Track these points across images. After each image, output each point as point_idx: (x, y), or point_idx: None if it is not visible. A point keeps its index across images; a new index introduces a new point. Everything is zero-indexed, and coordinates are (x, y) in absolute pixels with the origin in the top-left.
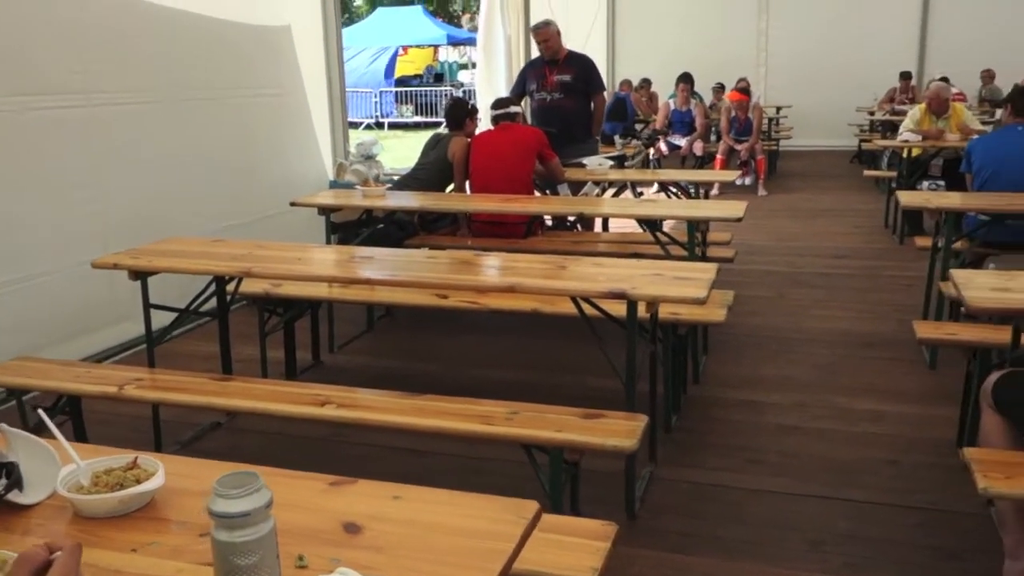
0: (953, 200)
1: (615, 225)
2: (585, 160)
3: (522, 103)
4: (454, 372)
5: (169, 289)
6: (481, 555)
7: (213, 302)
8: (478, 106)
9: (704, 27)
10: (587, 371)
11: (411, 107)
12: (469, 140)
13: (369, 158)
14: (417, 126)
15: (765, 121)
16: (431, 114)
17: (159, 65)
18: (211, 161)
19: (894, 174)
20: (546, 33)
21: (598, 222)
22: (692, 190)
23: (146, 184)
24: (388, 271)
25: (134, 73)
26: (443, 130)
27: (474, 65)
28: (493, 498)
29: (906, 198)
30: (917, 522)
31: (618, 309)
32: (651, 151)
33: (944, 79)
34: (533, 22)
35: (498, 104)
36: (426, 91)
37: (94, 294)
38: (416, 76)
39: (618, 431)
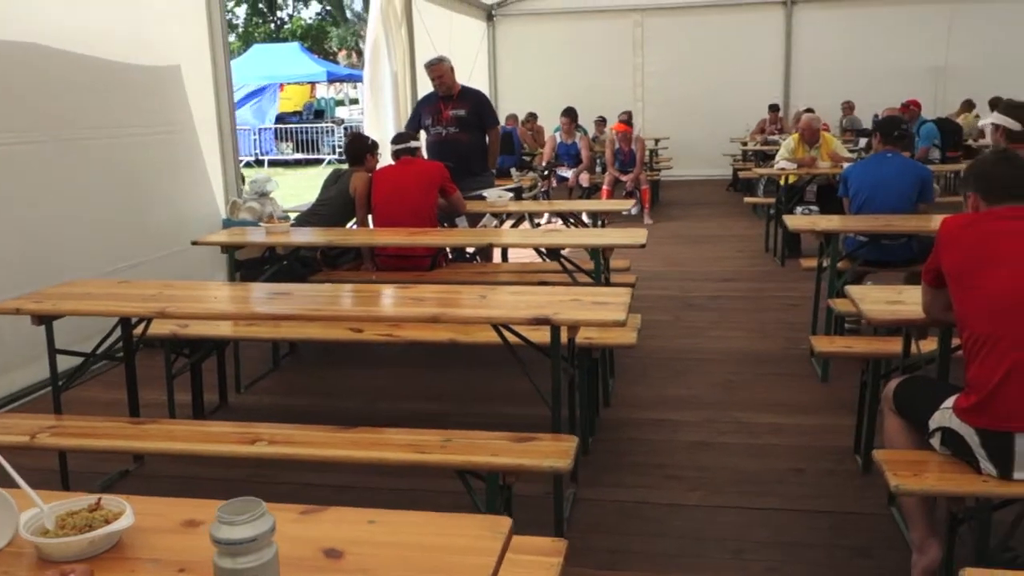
0: (836, 223)
1: (514, 255)
2: (485, 192)
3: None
4: (368, 408)
5: (62, 334)
6: (466, 570)
7: (114, 345)
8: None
9: (582, 63)
10: (505, 400)
11: (291, 144)
12: (370, 175)
13: (263, 195)
14: (298, 163)
15: (646, 153)
16: (311, 151)
17: (43, 105)
18: (102, 201)
19: (772, 200)
20: (440, 69)
21: (497, 253)
22: (590, 220)
23: (35, 226)
24: (309, 306)
25: (17, 113)
26: (341, 166)
27: (353, 101)
28: (467, 516)
29: (793, 222)
30: (827, 525)
31: (537, 336)
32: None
33: (809, 110)
34: (418, 59)
35: (398, 139)
36: (306, 128)
37: None
38: (295, 113)
39: (551, 452)
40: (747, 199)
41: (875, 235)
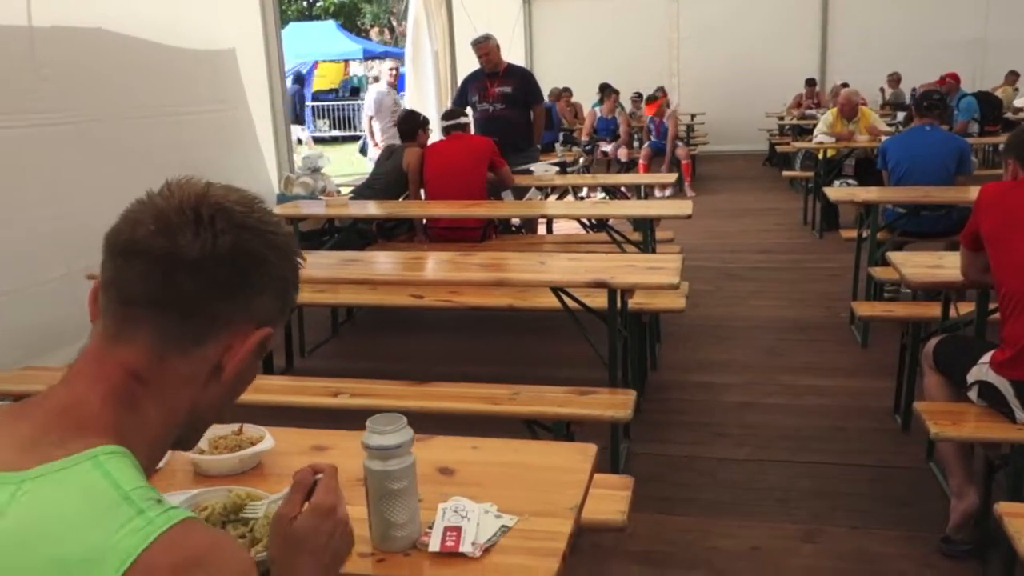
0: (875, 194)
1: (557, 228)
2: (532, 167)
3: None
4: (428, 370)
5: None
6: (564, 485)
7: None
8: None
9: (618, 40)
10: (557, 363)
11: (327, 121)
12: (422, 150)
13: (315, 171)
14: (335, 140)
15: (683, 128)
16: (347, 128)
17: (108, 86)
18: (162, 176)
19: (810, 174)
20: (487, 47)
21: (541, 226)
22: (632, 193)
23: (96, 200)
24: (381, 271)
25: (85, 93)
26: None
27: (374, 79)
28: (556, 443)
29: (833, 193)
30: (868, 478)
31: (591, 300)
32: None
33: (845, 84)
34: (457, 37)
35: (449, 115)
36: (342, 105)
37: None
38: (331, 90)
39: (612, 404)
40: (785, 173)
41: (914, 206)
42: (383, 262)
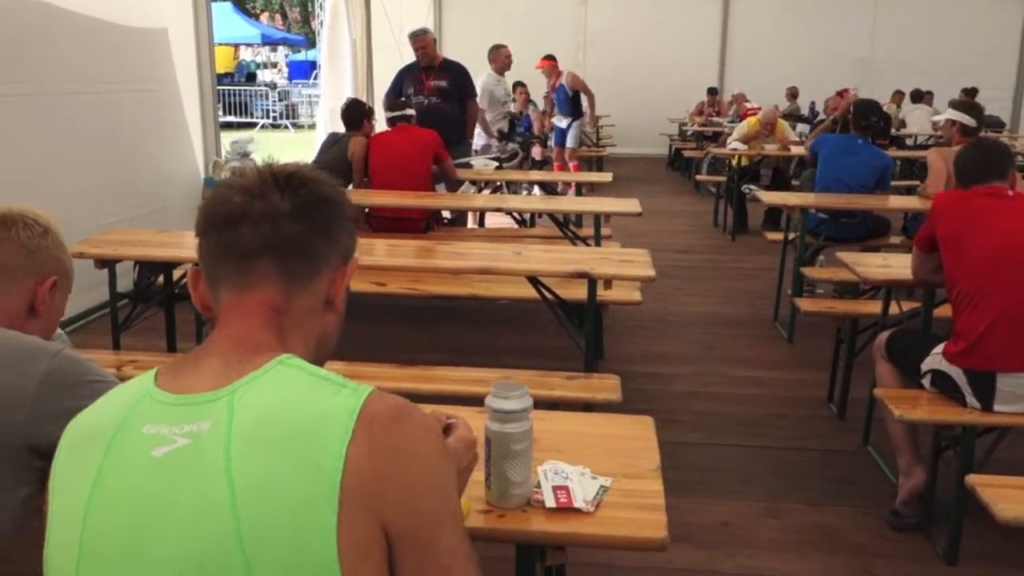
0: (807, 199)
1: (489, 221)
2: (472, 161)
3: None
4: (392, 359)
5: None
6: (637, 451)
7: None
8: (326, 107)
9: (527, 36)
10: (512, 353)
11: (219, 106)
12: (368, 140)
13: (245, 156)
14: (229, 126)
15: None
16: (243, 114)
17: (27, 57)
18: (84, 157)
19: (723, 179)
20: (424, 40)
21: (470, 219)
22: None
23: (15, 177)
24: (388, 257)
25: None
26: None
27: (273, 65)
28: (613, 415)
29: (767, 197)
30: (814, 460)
31: (567, 292)
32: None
33: (741, 94)
34: (374, 28)
35: (394, 106)
36: (238, 90)
37: None
38: (227, 74)
39: (602, 387)
40: (698, 177)
41: (836, 212)
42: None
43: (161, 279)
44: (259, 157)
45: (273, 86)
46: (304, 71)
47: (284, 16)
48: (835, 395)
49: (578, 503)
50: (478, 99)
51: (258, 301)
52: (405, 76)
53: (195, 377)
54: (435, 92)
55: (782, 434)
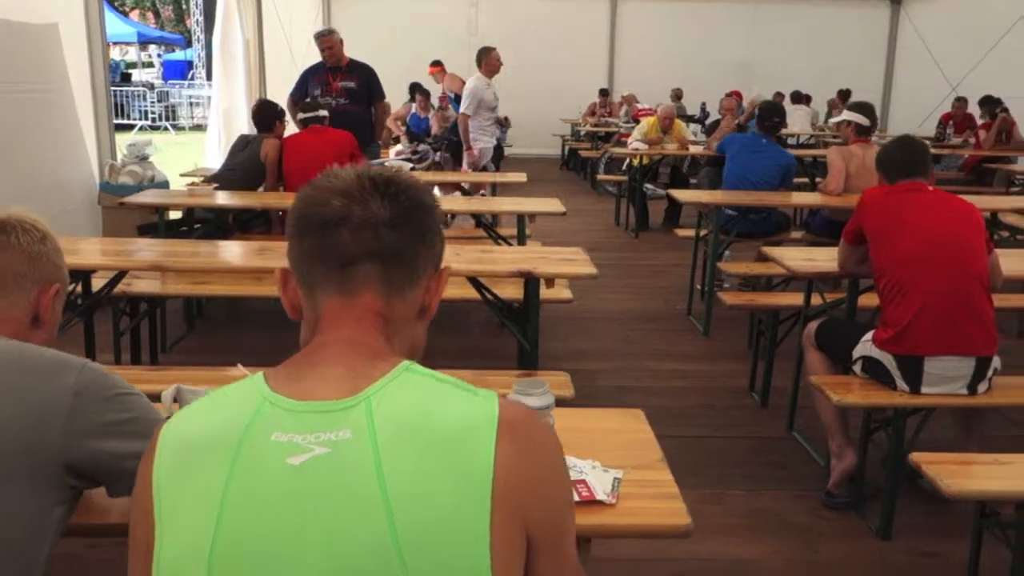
0: (717, 197)
1: None
2: (385, 162)
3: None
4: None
5: None
6: (637, 442)
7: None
8: (219, 108)
9: (422, 40)
10: (448, 355)
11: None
12: (280, 142)
13: (143, 159)
14: None
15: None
16: (118, 115)
17: None
18: None
19: (624, 178)
20: (330, 40)
21: None
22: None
23: None
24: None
25: None
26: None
27: (147, 65)
28: (602, 409)
29: (680, 195)
30: (747, 447)
31: (504, 292)
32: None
33: (632, 95)
34: (265, 27)
35: (307, 107)
36: (115, 91)
37: None
38: None
39: (555, 384)
40: (600, 177)
41: (745, 210)
42: (263, 249)
43: (80, 288)
44: (157, 160)
45: (151, 87)
46: (180, 71)
47: (157, 14)
48: (756, 384)
49: (600, 496)
50: (463, 105)
51: (363, 307)
52: (311, 76)
53: (315, 382)
54: (343, 93)
55: (712, 423)
